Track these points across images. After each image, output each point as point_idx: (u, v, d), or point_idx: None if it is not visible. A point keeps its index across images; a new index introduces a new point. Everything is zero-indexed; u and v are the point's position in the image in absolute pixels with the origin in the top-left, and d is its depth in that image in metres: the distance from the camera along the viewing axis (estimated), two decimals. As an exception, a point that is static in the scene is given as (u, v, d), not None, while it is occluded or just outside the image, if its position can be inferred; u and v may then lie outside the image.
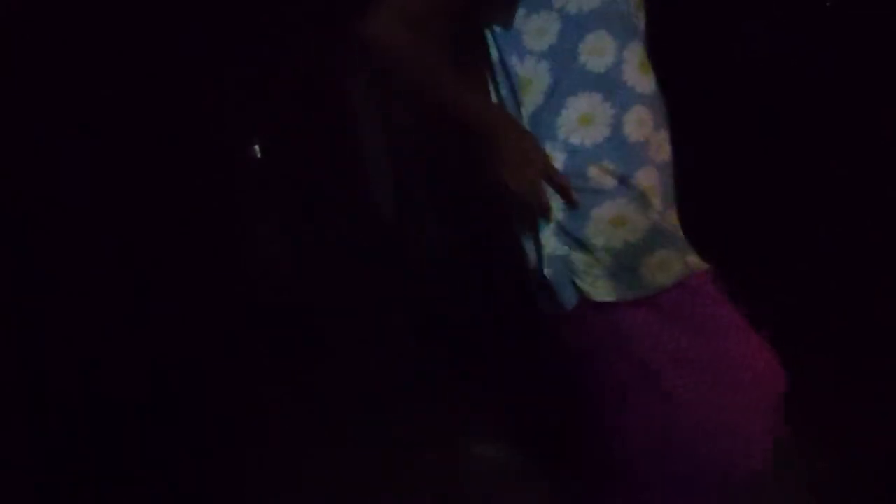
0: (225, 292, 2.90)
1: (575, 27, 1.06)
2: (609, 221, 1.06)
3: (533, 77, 1.09)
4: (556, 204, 1.08)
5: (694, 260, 1.08)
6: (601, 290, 1.06)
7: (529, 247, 1.15)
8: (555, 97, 1.07)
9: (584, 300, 1.07)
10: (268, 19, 2.91)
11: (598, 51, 1.06)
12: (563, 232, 1.09)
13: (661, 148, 1.11)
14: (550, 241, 1.10)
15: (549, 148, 1.08)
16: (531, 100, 1.09)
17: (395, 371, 2.48)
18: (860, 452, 1.63)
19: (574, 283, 1.08)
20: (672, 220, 1.12)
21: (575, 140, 1.07)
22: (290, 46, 3.05)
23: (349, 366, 2.58)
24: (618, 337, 1.08)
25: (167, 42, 2.71)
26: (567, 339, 1.13)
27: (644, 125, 1.09)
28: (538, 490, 1.77)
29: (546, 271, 1.09)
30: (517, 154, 1.05)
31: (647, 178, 1.08)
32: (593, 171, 1.06)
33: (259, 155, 3.28)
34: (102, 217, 2.48)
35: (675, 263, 1.06)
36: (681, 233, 1.12)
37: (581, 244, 1.07)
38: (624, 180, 1.07)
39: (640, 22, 1.13)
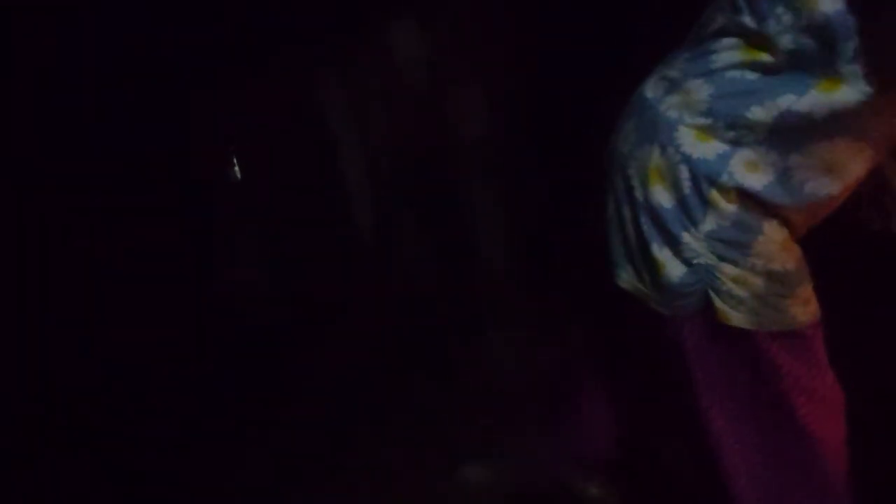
0: (204, 312, 2.87)
1: None
2: (779, 243, 0.99)
3: None
4: (723, 211, 1.00)
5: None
6: (740, 316, 1.00)
7: (658, 247, 1.04)
8: None
9: (709, 313, 1.02)
10: (247, 38, 2.91)
11: None
12: (721, 242, 1.00)
13: None
14: (697, 246, 1.01)
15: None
16: None
17: (376, 389, 2.45)
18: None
19: (706, 294, 1.01)
20: None
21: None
22: (270, 65, 3.04)
23: (329, 384, 2.55)
24: (743, 360, 1.03)
25: (147, 59, 2.70)
26: (676, 340, 1.07)
27: None
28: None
29: (678, 277, 1.02)
30: None
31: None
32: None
33: (238, 176, 3.26)
34: (79, 238, 2.46)
35: (814, 300, 1.02)
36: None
37: (737, 260, 0.99)
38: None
39: None
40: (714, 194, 0.99)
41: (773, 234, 0.97)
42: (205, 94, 3.01)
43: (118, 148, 2.65)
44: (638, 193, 1.06)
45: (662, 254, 1.04)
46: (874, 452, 1.24)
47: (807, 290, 1.00)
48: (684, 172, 1.02)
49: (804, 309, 1.00)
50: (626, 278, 1.10)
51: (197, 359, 2.60)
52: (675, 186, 1.03)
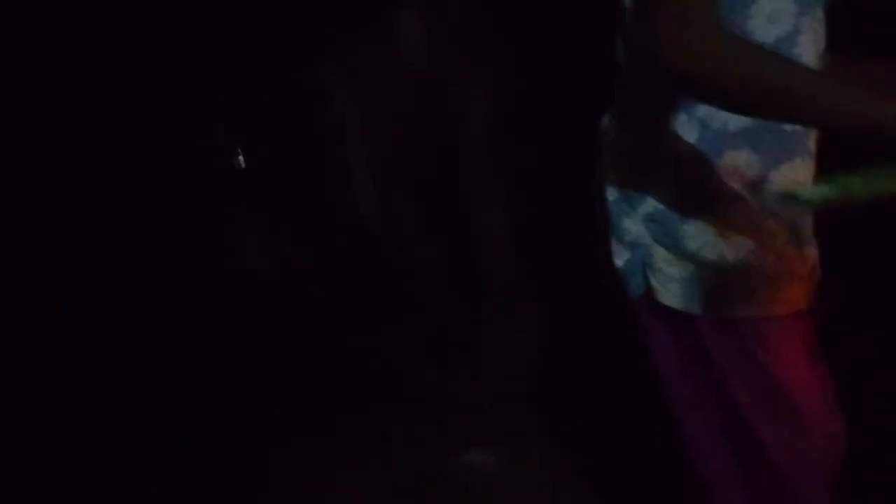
0: (208, 299, 2.89)
1: None
2: (714, 229, 0.93)
3: None
4: (659, 192, 0.97)
5: (794, 298, 0.96)
6: (670, 295, 0.98)
7: (617, 228, 1.03)
8: None
9: (650, 295, 0.99)
10: (251, 29, 2.92)
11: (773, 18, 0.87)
12: (655, 222, 0.97)
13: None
14: (635, 228, 1.00)
15: (681, 121, 0.92)
16: None
17: (380, 377, 2.48)
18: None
19: (645, 275, 1.00)
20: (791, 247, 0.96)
21: (715, 121, 0.91)
22: (273, 55, 3.05)
23: (333, 372, 2.58)
24: (686, 345, 1.00)
25: (152, 52, 2.71)
26: (636, 326, 1.06)
27: None
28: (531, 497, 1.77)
29: (622, 261, 1.02)
30: None
31: (787, 180, 0.93)
32: (727, 162, 0.91)
33: (242, 164, 3.27)
34: (86, 225, 2.47)
35: (764, 297, 0.94)
36: (800, 267, 0.97)
37: (669, 241, 0.97)
38: (756, 185, 0.92)
39: None
40: (652, 177, 0.97)
41: (706, 220, 0.93)
42: (210, 85, 3.02)
43: (125, 133, 2.65)
44: (601, 188, 1.07)
45: (613, 242, 1.05)
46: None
47: (749, 282, 0.94)
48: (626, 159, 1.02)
49: (745, 304, 0.94)
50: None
51: (195, 351, 2.61)
52: (620, 175, 1.02)
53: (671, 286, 0.97)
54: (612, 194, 1.03)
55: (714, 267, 0.93)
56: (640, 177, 0.99)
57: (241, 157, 3.24)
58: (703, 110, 0.90)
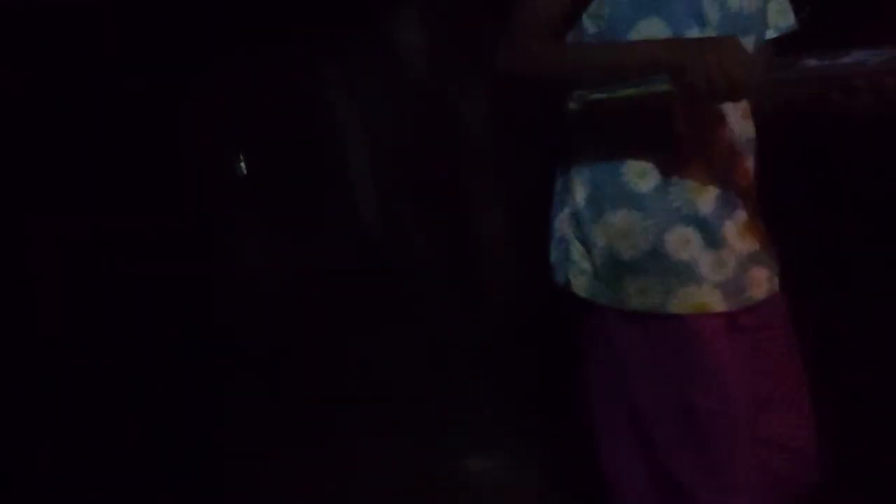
0: (210, 306, 2.88)
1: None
2: (617, 229, 1.06)
3: None
4: (580, 193, 1.10)
5: (696, 300, 1.04)
6: (580, 286, 1.10)
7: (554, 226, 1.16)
8: None
9: (568, 286, 1.11)
10: (252, 34, 2.92)
11: None
12: (575, 221, 1.10)
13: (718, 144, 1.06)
14: (560, 226, 1.13)
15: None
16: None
17: (380, 381, 2.47)
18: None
19: (565, 267, 1.11)
20: (679, 244, 1.06)
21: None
22: (274, 61, 3.05)
23: (333, 375, 2.57)
24: (593, 334, 1.11)
25: (153, 53, 2.71)
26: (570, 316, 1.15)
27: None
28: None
29: (552, 256, 1.14)
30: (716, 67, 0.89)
31: (691, 182, 1.04)
32: (629, 169, 1.05)
33: (244, 170, 3.27)
34: (86, 226, 2.47)
35: (657, 294, 1.04)
36: (708, 272, 1.05)
37: (582, 238, 1.09)
38: (660, 189, 1.04)
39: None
40: (575, 179, 1.11)
41: (615, 221, 1.05)
42: (210, 87, 3.03)
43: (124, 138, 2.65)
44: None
45: (550, 239, 1.17)
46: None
47: (653, 281, 1.04)
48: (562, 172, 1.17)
49: (641, 299, 1.05)
50: None
51: (196, 352, 2.60)
52: (559, 180, 1.17)
53: (581, 278, 1.10)
54: (555, 197, 1.17)
55: (613, 264, 1.06)
56: (566, 181, 1.13)
57: (241, 161, 3.24)
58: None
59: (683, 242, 1.05)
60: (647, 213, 1.04)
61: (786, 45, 1.10)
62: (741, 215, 1.08)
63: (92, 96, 2.53)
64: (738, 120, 1.06)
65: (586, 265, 1.09)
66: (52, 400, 2.26)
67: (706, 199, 1.04)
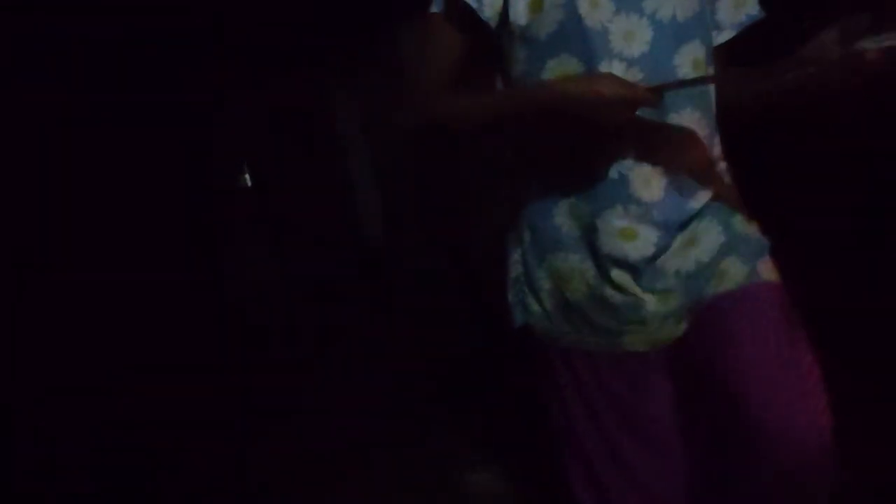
0: (215, 318, 2.89)
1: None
2: (559, 273, 1.06)
3: None
4: (526, 234, 1.10)
5: (647, 336, 1.04)
6: (535, 325, 1.10)
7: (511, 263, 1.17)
8: None
9: (528, 324, 1.11)
10: (257, 50, 2.94)
11: None
12: (524, 264, 1.11)
13: (649, 184, 1.01)
14: (515, 266, 1.13)
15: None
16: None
17: (388, 398, 2.47)
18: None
19: (522, 305, 1.12)
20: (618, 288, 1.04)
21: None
22: (279, 77, 3.08)
23: (339, 392, 2.57)
24: (549, 370, 1.12)
25: (160, 71, 2.73)
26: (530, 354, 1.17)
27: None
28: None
29: (509, 293, 1.14)
30: (604, 105, 0.92)
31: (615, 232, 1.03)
32: (559, 211, 1.06)
33: (249, 182, 3.29)
34: (90, 243, 2.48)
35: (607, 333, 1.05)
36: (644, 307, 1.03)
37: (531, 280, 1.10)
38: (588, 233, 1.04)
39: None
40: (520, 222, 1.12)
41: (556, 264, 1.06)
42: (215, 102, 3.05)
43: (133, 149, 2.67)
44: None
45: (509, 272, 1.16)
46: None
47: (603, 320, 1.04)
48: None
49: (594, 337, 1.06)
50: None
51: (204, 358, 2.61)
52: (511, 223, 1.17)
53: (535, 318, 1.10)
54: (508, 237, 1.17)
55: (562, 305, 1.07)
56: (514, 223, 1.14)
57: (246, 174, 3.26)
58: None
59: (621, 285, 1.03)
60: (582, 256, 1.05)
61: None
62: (691, 230, 1.03)
63: (100, 110, 2.55)
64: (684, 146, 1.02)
65: (537, 307, 1.10)
66: (49, 405, 2.27)
67: (636, 244, 1.01)
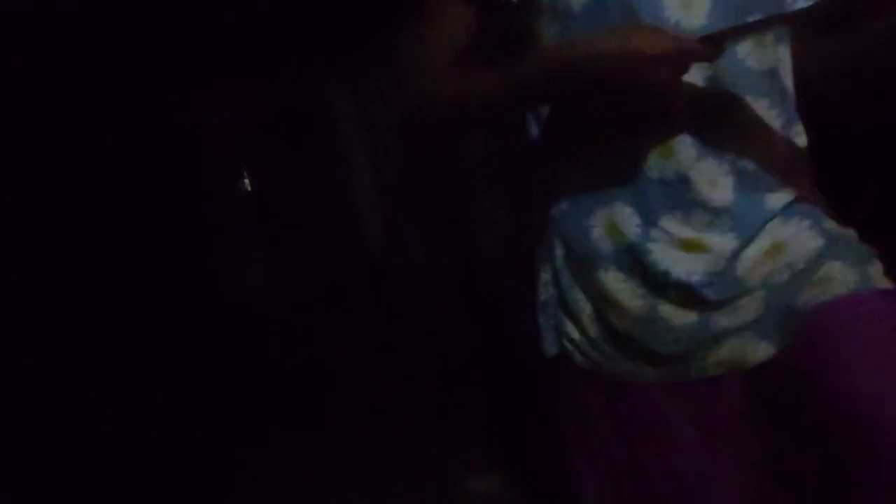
0: (213, 323, 2.88)
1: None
2: (602, 295, 0.87)
3: None
4: (558, 248, 0.90)
5: (719, 360, 0.84)
6: (574, 356, 0.91)
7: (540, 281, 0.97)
8: None
9: (564, 354, 0.92)
10: (257, 52, 2.94)
11: None
12: (557, 284, 0.91)
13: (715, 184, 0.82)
14: (546, 287, 0.94)
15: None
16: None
17: (387, 403, 2.46)
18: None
19: (557, 331, 0.92)
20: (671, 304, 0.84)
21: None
22: (278, 79, 3.08)
23: (337, 399, 2.56)
24: (581, 404, 0.92)
25: (157, 73, 2.73)
26: (554, 384, 0.97)
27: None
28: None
29: (540, 317, 0.95)
30: (638, 62, 0.72)
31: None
32: (598, 221, 0.86)
33: (248, 186, 3.29)
34: (88, 245, 2.48)
35: (667, 363, 0.86)
36: (712, 324, 0.83)
37: (568, 303, 0.90)
38: (637, 246, 0.83)
39: None
40: (551, 234, 0.92)
41: (597, 285, 0.87)
42: (214, 104, 3.05)
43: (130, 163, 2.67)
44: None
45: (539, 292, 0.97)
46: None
47: (655, 348, 0.85)
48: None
49: (649, 368, 0.86)
50: None
51: (199, 360, 2.60)
52: (539, 234, 0.97)
53: (575, 348, 0.90)
54: (537, 252, 0.97)
55: (607, 333, 0.88)
56: (544, 235, 0.93)
57: (245, 178, 3.26)
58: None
59: (684, 302, 0.84)
60: (630, 274, 0.85)
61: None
62: (773, 234, 0.83)
63: (96, 111, 2.55)
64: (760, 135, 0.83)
65: (578, 335, 0.90)
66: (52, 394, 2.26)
67: (704, 258, 0.82)
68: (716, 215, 0.81)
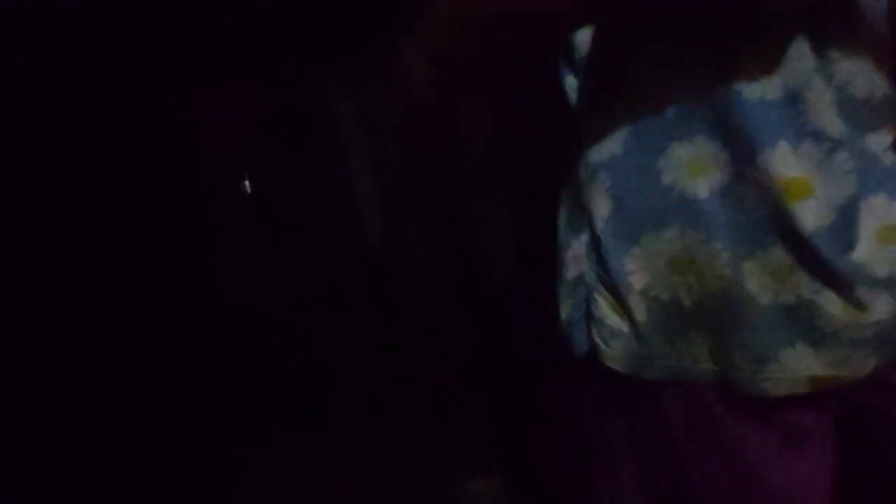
0: (213, 323, 2.87)
1: None
2: (667, 258, 0.66)
3: None
4: (601, 209, 0.70)
5: (809, 369, 0.62)
6: (614, 354, 0.71)
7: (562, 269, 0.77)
8: None
9: (594, 354, 0.74)
10: (257, 53, 2.94)
11: None
12: (596, 254, 0.72)
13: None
14: (575, 261, 0.75)
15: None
16: None
17: (387, 403, 2.45)
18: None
19: (589, 323, 0.74)
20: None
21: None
22: (278, 80, 3.07)
23: (337, 400, 2.55)
24: (638, 421, 0.73)
25: (157, 73, 2.73)
26: (577, 391, 0.81)
27: None
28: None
29: (566, 311, 0.77)
30: None
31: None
32: (674, 160, 0.65)
33: (248, 187, 3.28)
34: (90, 250, 2.48)
35: (742, 359, 0.64)
36: (821, 307, 0.61)
37: (612, 278, 0.70)
38: (731, 191, 0.63)
39: None
40: (590, 190, 0.72)
41: (661, 246, 0.66)
42: (214, 104, 3.04)
43: (129, 164, 2.67)
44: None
45: (558, 286, 0.78)
46: None
47: (729, 340, 0.63)
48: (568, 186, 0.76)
49: (718, 364, 0.65)
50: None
51: (199, 360, 2.60)
52: (567, 190, 0.78)
53: (615, 343, 0.71)
54: (560, 225, 0.78)
55: (666, 314, 0.68)
56: (574, 196, 0.75)
57: (245, 179, 3.25)
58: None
59: (779, 274, 0.62)
60: (711, 232, 0.64)
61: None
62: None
63: (96, 111, 2.55)
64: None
65: (619, 323, 0.70)
66: (50, 395, 2.27)
67: (810, 204, 0.60)
68: (832, 148, 0.60)
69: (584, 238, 0.74)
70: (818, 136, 0.60)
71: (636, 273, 0.68)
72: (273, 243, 3.21)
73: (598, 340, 0.73)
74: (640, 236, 0.68)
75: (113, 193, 2.60)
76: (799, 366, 0.62)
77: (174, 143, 2.92)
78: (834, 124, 0.60)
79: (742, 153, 0.62)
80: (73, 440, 2.22)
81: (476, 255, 2.89)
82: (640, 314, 0.68)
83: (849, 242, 0.60)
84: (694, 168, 0.64)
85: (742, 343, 0.64)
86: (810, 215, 0.60)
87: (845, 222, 0.60)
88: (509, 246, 2.80)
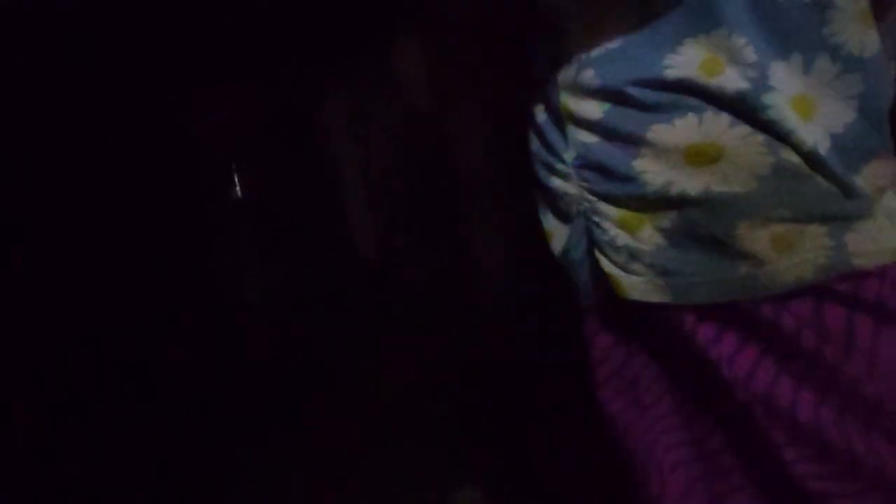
0: (213, 323, 2.87)
1: None
2: (684, 150, 0.57)
3: None
4: (599, 108, 0.59)
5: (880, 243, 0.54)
6: (636, 281, 0.60)
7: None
8: None
9: (608, 294, 0.62)
10: (255, 54, 2.94)
11: None
12: (592, 170, 0.61)
13: None
14: (568, 188, 0.62)
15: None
16: None
17: (387, 403, 2.46)
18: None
19: (594, 261, 0.62)
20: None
21: None
22: (270, 85, 3.07)
23: (338, 400, 2.56)
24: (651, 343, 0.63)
25: (156, 74, 2.73)
26: (586, 344, 0.71)
27: None
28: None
29: (562, 243, 0.65)
30: None
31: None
32: (683, 59, 0.55)
33: (239, 195, 3.28)
34: (90, 250, 2.48)
35: (807, 247, 0.55)
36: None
37: (617, 192, 0.59)
38: (749, 93, 0.56)
39: None
40: (566, 103, 0.62)
41: (665, 139, 0.58)
42: (213, 105, 3.04)
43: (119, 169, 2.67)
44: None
45: (547, 221, 0.67)
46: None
47: (767, 230, 0.54)
48: (541, 107, 0.65)
49: (767, 265, 0.54)
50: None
51: (199, 360, 2.61)
52: (536, 129, 0.66)
53: (635, 268, 0.59)
54: (533, 137, 0.65)
55: (700, 212, 0.56)
56: (551, 97, 0.63)
57: (236, 185, 3.25)
58: None
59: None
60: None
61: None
62: None
63: (95, 111, 2.55)
64: None
65: (637, 243, 0.59)
66: (49, 394, 2.27)
67: (810, 127, 0.51)
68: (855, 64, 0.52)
69: (567, 159, 0.63)
70: (836, 51, 0.54)
71: (646, 180, 0.58)
72: (273, 243, 3.21)
73: (614, 271, 0.61)
74: (650, 124, 0.59)
75: (112, 193, 2.60)
76: (845, 240, 0.58)
77: (173, 143, 2.92)
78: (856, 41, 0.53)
79: (768, 50, 0.54)
80: (73, 440, 2.22)
81: (476, 255, 2.89)
82: (663, 219, 0.56)
83: None
84: (711, 66, 0.56)
85: (817, 228, 0.54)
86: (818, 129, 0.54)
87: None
88: (509, 246, 2.80)
